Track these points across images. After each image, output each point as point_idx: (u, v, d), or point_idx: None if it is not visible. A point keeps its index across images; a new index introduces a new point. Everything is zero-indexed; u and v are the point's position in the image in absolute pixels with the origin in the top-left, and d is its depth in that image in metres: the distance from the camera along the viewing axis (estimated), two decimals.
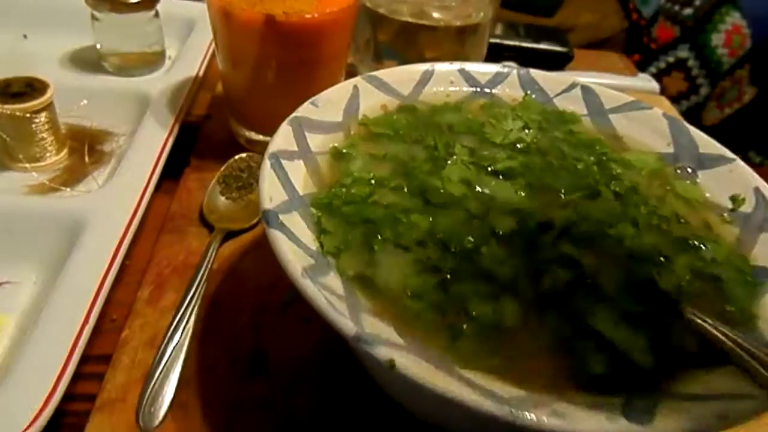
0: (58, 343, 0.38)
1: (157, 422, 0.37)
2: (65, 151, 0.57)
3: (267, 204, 0.33)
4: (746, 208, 0.40)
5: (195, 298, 0.44)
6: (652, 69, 1.85)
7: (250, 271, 0.48)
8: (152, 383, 0.38)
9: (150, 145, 0.56)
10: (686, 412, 0.26)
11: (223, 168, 0.56)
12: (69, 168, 0.56)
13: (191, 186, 0.56)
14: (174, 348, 0.41)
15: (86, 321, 0.40)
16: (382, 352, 0.26)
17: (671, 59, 1.84)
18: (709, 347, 0.31)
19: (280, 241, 0.31)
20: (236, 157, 0.57)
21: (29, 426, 0.34)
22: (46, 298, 0.42)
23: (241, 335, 0.43)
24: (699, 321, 0.31)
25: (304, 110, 0.41)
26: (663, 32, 1.84)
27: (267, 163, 0.36)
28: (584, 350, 0.30)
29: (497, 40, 0.89)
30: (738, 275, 0.36)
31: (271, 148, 0.37)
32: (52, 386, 0.36)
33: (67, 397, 0.37)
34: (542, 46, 0.89)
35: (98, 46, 0.69)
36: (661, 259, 0.36)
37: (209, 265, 0.46)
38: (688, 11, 1.75)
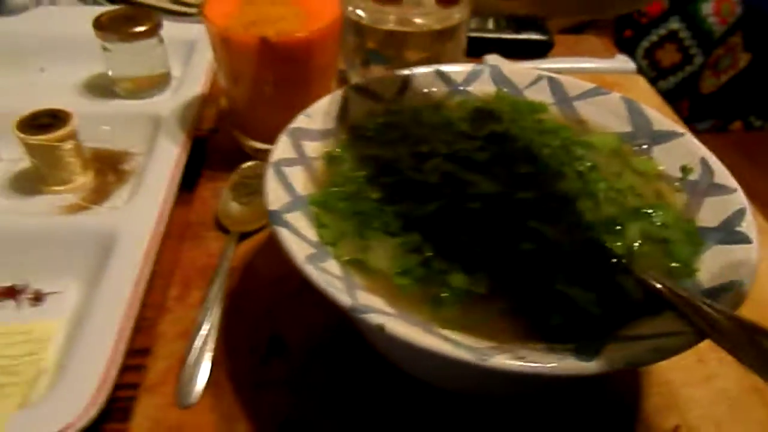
0: (106, 340, 0.45)
1: (193, 400, 0.43)
2: (91, 172, 0.64)
3: (272, 206, 0.39)
4: (693, 176, 0.45)
5: (217, 293, 0.50)
6: (645, 43, 1.89)
7: (264, 266, 0.54)
8: (187, 368, 0.45)
9: (165, 161, 0.62)
10: (627, 349, 0.32)
11: (232, 176, 0.62)
12: (96, 188, 0.62)
13: (205, 195, 0.62)
14: (203, 337, 0.47)
15: (128, 319, 0.47)
16: (374, 319, 0.32)
17: (663, 32, 1.87)
18: (653, 298, 0.36)
19: (284, 235, 0.37)
20: (244, 165, 0.63)
21: (87, 410, 0.40)
22: (89, 303, 0.48)
23: (260, 322, 0.49)
24: (645, 277, 0.37)
25: (299, 121, 0.47)
26: (652, 6, 1.87)
27: (270, 171, 0.42)
28: (545, 307, 0.36)
29: (480, 34, 0.94)
30: (684, 236, 0.41)
31: (273, 158, 0.43)
32: (104, 376, 0.42)
33: (116, 385, 0.43)
34: (523, 36, 0.94)
35: (110, 72, 0.76)
36: (616, 227, 0.42)
37: (228, 264, 0.53)
38: None
